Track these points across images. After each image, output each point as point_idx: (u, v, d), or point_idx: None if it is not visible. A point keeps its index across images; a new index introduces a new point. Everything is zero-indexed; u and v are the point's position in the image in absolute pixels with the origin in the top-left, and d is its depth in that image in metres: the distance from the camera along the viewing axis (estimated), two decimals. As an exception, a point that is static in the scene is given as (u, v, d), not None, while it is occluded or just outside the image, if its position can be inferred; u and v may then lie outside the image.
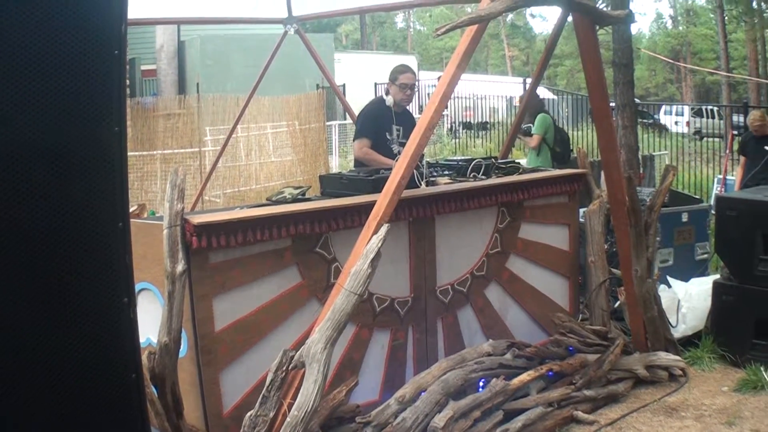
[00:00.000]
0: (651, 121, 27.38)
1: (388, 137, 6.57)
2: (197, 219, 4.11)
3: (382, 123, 6.57)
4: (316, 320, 3.87)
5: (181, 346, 3.99)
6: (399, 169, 4.22)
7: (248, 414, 3.59)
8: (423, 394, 4.61)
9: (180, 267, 3.89)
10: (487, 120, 26.45)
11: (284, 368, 3.57)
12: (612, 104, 7.14)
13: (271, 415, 3.58)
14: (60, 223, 1.65)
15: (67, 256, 1.66)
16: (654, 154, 14.81)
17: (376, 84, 22.10)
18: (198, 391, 4.19)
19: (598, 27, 5.59)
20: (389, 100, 6.60)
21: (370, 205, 4.25)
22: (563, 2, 5.18)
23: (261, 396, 3.62)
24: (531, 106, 9.29)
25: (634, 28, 57.86)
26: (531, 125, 9.20)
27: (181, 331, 3.90)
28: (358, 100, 7.17)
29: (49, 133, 1.65)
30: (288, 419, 3.46)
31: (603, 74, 5.68)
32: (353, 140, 6.79)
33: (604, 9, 5.54)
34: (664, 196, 6.23)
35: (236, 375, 4.29)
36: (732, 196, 7.22)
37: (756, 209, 6.29)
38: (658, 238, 7.23)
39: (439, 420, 4.41)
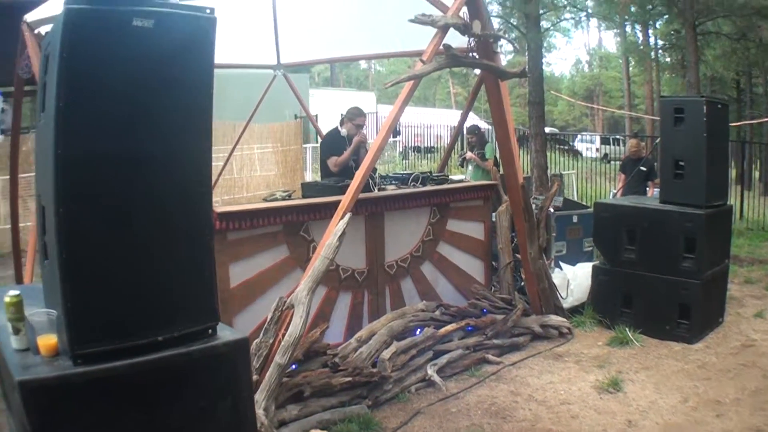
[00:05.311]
0: (568, 147, 28.21)
1: None
2: (219, 209, 4.90)
3: (340, 145, 7.20)
4: (300, 281, 4.61)
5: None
6: (357, 177, 5.06)
7: (255, 341, 4.32)
8: (374, 336, 5.33)
9: (206, 243, 4.72)
10: (434, 145, 26.93)
11: (280, 309, 4.36)
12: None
13: (271, 341, 4.34)
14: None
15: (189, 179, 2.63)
16: (563, 173, 15.42)
17: (341, 115, 22.65)
18: (218, 331, 4.97)
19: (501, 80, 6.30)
20: (343, 131, 7.26)
21: (338, 203, 4.99)
22: (475, 64, 5.97)
23: (263, 329, 4.37)
24: (479, 140, 10.35)
25: (556, 71, 57.56)
26: (483, 152, 10.08)
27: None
28: (329, 127, 7.85)
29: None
30: (282, 344, 4.25)
31: (504, 114, 6.35)
32: (324, 161, 7.32)
33: (504, 68, 6.24)
34: (551, 199, 6.95)
35: (245, 319, 5.01)
36: (605, 202, 7.83)
37: (621, 211, 6.99)
38: (554, 234, 7.98)
39: (386, 353, 5.15)
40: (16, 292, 2.50)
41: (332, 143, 7.34)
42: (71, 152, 2.32)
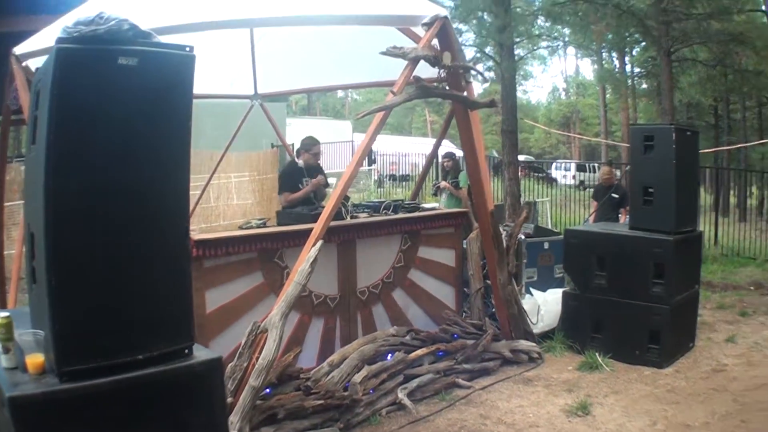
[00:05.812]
0: (544, 174, 28.65)
1: (301, 187, 7.43)
2: (196, 236, 5.10)
3: (296, 178, 7.45)
4: (273, 307, 4.80)
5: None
6: (329, 205, 5.29)
7: (230, 364, 4.51)
8: (346, 360, 5.50)
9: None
10: (409, 173, 27.24)
11: (254, 333, 4.55)
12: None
13: (245, 365, 4.52)
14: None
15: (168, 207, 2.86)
16: (537, 200, 15.71)
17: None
18: (193, 355, 5.13)
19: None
20: (300, 162, 7.53)
21: (311, 231, 5.17)
22: (444, 95, 6.23)
23: (238, 352, 4.56)
24: (454, 167, 10.46)
25: (533, 98, 58.03)
26: (457, 181, 10.19)
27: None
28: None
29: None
30: (256, 367, 4.43)
31: (474, 143, 6.55)
32: (279, 194, 7.57)
33: (474, 98, 6.45)
34: (520, 226, 7.14)
35: (220, 343, 5.18)
36: (575, 228, 8.02)
37: (591, 238, 7.21)
38: (525, 260, 8.19)
39: (358, 377, 5.33)
40: (6, 314, 2.69)
41: (288, 177, 7.60)
42: (61, 183, 2.53)
